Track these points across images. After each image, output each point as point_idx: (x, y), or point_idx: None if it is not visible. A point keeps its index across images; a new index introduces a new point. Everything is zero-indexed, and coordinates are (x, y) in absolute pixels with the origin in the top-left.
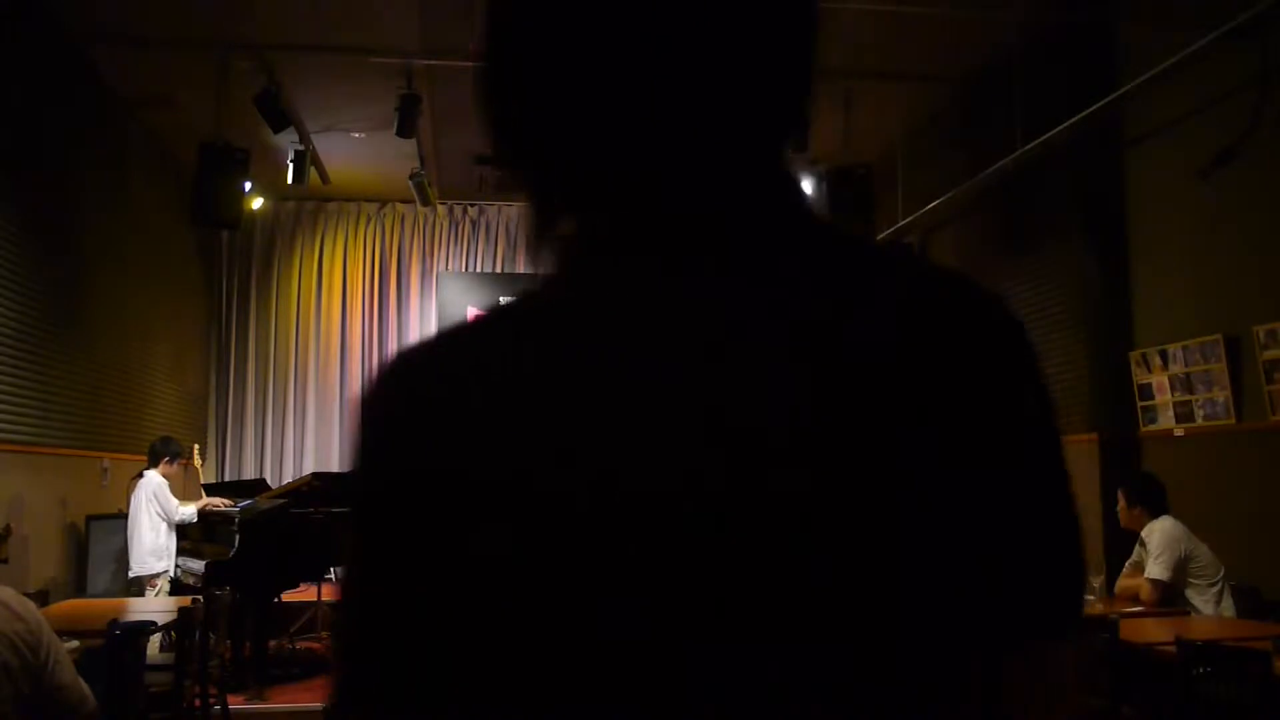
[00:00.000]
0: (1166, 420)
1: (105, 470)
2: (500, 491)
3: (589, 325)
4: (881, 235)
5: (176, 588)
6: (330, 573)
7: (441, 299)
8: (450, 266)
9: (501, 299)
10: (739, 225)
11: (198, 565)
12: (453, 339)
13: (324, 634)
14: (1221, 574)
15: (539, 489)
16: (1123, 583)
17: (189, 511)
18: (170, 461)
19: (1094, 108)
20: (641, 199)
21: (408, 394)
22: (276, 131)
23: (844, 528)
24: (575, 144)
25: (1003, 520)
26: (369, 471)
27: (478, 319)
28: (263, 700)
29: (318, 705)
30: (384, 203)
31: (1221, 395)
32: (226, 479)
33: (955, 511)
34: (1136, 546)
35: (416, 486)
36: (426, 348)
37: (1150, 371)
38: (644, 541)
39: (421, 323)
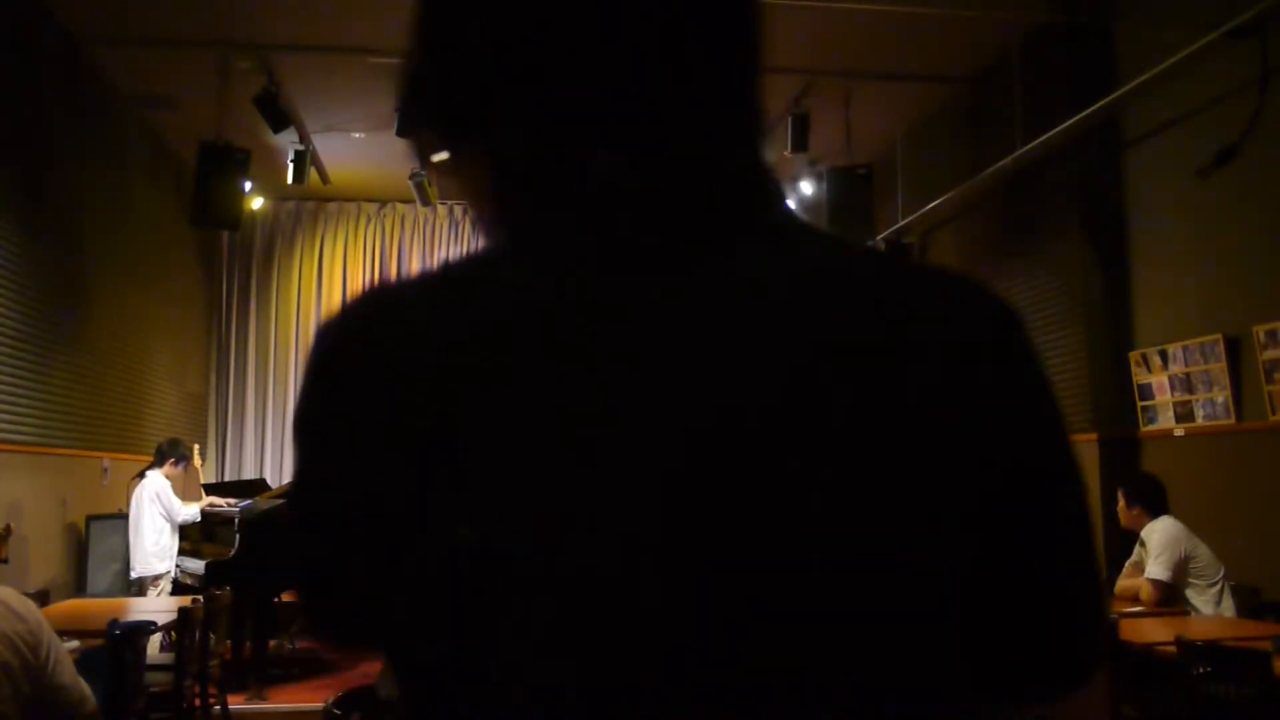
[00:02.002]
0: (1166, 420)
1: (105, 470)
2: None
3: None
4: (881, 235)
5: (176, 588)
6: None
7: None
8: None
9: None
10: (701, 218)
11: (198, 565)
12: (408, 290)
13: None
14: (1221, 574)
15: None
16: (1123, 583)
17: (192, 511)
18: (176, 463)
19: (1094, 108)
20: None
21: (354, 334)
22: (276, 131)
23: (802, 557)
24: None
25: (998, 556)
26: (304, 390)
27: (435, 274)
28: (263, 700)
29: (318, 705)
30: (384, 203)
31: (1221, 395)
32: (226, 479)
33: (935, 547)
34: (1136, 546)
35: (340, 413)
36: (385, 293)
37: (1150, 371)
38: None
39: None
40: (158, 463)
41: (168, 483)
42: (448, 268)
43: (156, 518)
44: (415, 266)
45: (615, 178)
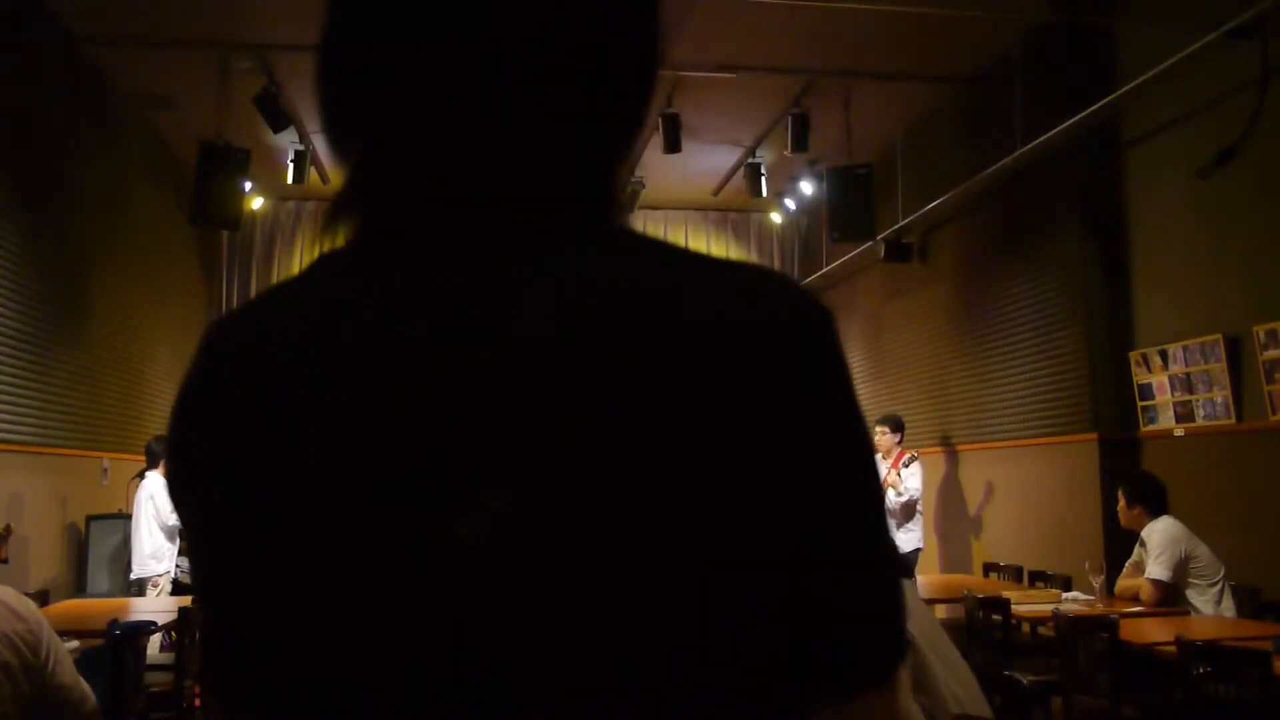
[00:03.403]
0: (1166, 420)
1: (105, 470)
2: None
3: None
4: (882, 235)
5: (176, 588)
6: None
7: None
8: None
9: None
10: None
11: None
12: (247, 320)
13: None
14: (1221, 574)
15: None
16: (1123, 583)
17: None
18: None
19: (1094, 108)
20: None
21: (199, 368)
22: (276, 131)
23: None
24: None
25: (776, 551)
26: (170, 426)
27: (269, 293)
28: None
29: None
30: None
31: (1221, 395)
32: None
33: (703, 550)
34: (1136, 546)
35: (186, 453)
36: (220, 326)
37: (1150, 371)
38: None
39: None
40: (151, 463)
41: (166, 483)
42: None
43: (152, 520)
44: None
45: (422, 183)
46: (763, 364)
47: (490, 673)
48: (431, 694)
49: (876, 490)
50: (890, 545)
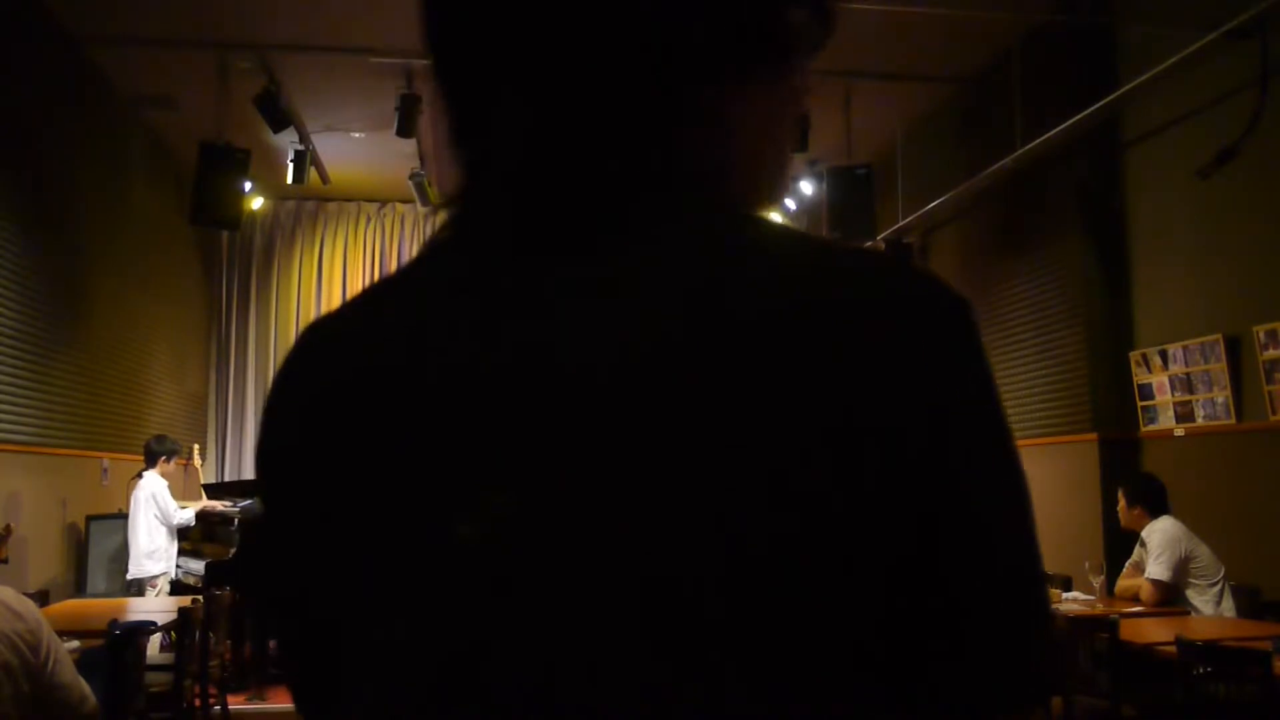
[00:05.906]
0: (1166, 420)
1: (105, 470)
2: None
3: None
4: (881, 235)
5: (176, 588)
6: None
7: None
8: None
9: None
10: (598, 205)
11: (198, 565)
12: (337, 319)
13: None
14: (1221, 574)
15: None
16: (1123, 583)
17: (187, 515)
18: (167, 460)
19: (1094, 108)
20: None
21: (291, 372)
22: (276, 131)
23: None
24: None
25: (917, 566)
26: (260, 435)
27: (368, 291)
28: (263, 700)
29: None
30: (384, 203)
31: (1221, 395)
32: (226, 479)
33: (840, 549)
34: (1136, 546)
35: (278, 460)
36: (319, 327)
37: (1150, 371)
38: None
39: None
40: (149, 463)
41: (164, 483)
42: (377, 286)
43: (151, 519)
44: None
45: (515, 145)
46: (855, 352)
47: (508, 676)
48: (449, 697)
49: (1019, 498)
50: (1037, 560)
